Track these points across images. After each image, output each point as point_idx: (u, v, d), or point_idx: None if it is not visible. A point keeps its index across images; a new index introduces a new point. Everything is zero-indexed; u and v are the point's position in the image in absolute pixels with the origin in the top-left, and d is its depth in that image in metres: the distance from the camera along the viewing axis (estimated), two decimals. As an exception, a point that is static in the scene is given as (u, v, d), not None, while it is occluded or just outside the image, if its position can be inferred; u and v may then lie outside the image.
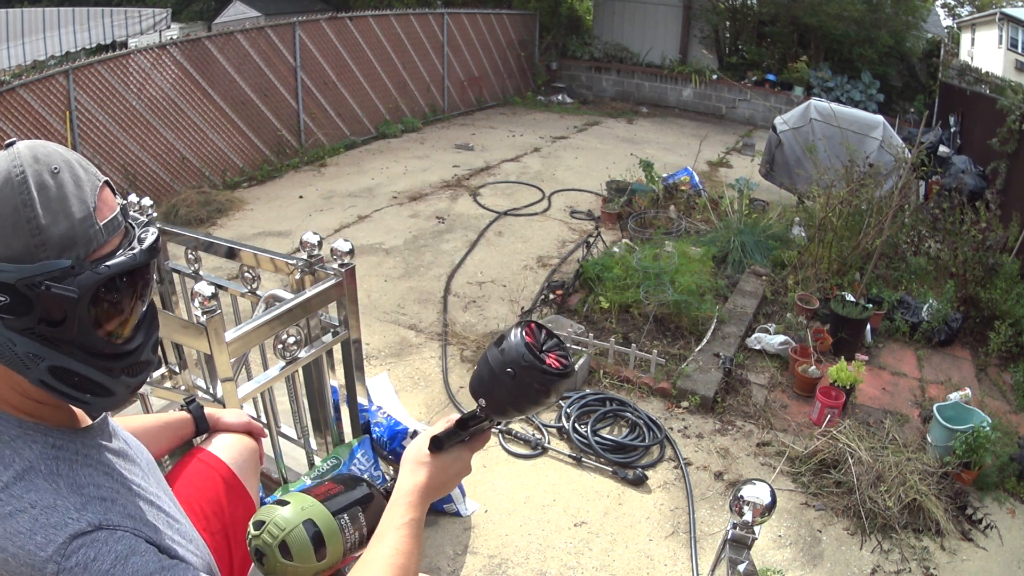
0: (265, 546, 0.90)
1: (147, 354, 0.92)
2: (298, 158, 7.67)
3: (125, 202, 0.90)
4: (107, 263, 0.81)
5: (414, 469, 1.02)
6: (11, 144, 0.82)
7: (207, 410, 1.50)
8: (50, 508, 0.77)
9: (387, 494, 1.07)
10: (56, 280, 0.77)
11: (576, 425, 3.22)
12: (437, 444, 1.02)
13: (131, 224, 0.89)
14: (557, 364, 0.97)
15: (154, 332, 0.94)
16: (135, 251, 0.84)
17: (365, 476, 1.10)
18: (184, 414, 1.46)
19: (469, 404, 3.52)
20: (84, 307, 0.79)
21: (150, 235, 0.88)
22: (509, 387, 0.95)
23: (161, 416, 1.44)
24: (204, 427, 1.49)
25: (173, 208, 5.96)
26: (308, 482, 2.18)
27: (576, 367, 3.52)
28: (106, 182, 0.86)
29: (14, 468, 0.80)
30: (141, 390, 1.19)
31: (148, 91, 6.23)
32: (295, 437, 2.42)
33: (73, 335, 0.80)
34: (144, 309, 0.91)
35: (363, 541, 1.00)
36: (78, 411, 0.96)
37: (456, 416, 1.06)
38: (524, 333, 0.96)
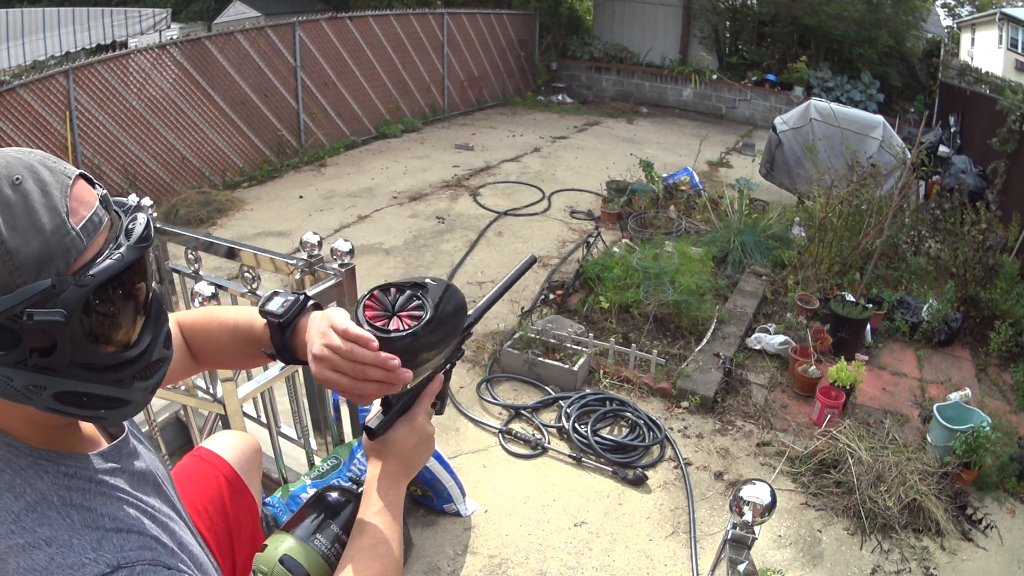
0: None
1: (159, 351, 0.83)
2: (298, 158, 7.67)
3: (105, 191, 0.79)
4: (91, 272, 0.71)
5: (372, 460, 0.98)
6: None
7: (315, 318, 0.94)
8: (66, 547, 0.74)
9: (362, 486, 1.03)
10: (38, 305, 0.68)
11: (576, 425, 3.22)
12: (371, 433, 0.96)
13: (118, 213, 0.79)
14: (406, 323, 0.87)
15: (163, 325, 0.84)
16: (121, 248, 0.74)
17: (340, 480, 1.07)
18: (260, 327, 1.02)
19: (470, 404, 3.52)
20: (76, 326, 0.72)
21: (138, 224, 0.77)
22: None
23: (232, 318, 1.08)
24: (280, 346, 0.98)
25: (173, 208, 5.97)
26: (308, 482, 2.18)
27: (577, 367, 3.52)
28: (80, 175, 0.76)
29: (25, 499, 0.76)
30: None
31: (148, 91, 6.23)
32: (295, 437, 2.43)
33: (68, 360, 0.72)
34: (152, 303, 0.82)
35: (344, 546, 0.98)
36: (95, 431, 0.91)
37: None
38: (363, 309, 0.88)
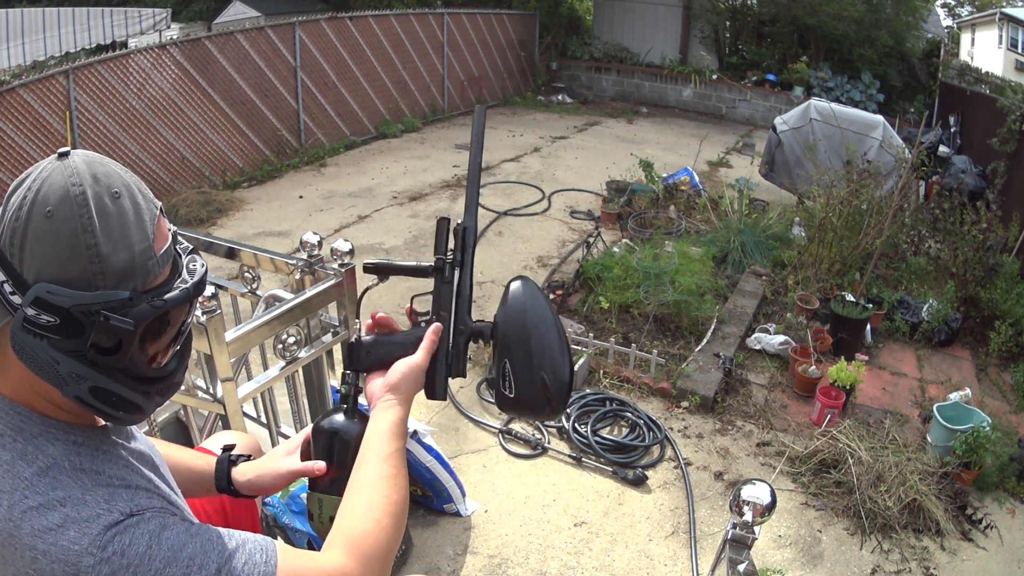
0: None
1: (180, 375, 0.94)
2: (298, 158, 7.67)
3: (175, 228, 0.90)
4: (163, 297, 0.81)
5: (391, 401, 1.03)
6: (65, 154, 0.80)
7: (244, 468, 1.22)
8: (80, 503, 0.78)
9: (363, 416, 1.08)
10: (113, 310, 0.77)
11: (576, 425, 3.22)
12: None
13: (178, 252, 0.89)
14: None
15: (188, 354, 0.95)
16: (187, 285, 0.85)
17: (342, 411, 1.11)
18: (210, 466, 1.24)
19: (470, 404, 3.51)
20: (137, 337, 0.80)
21: (199, 266, 0.88)
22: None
23: (187, 458, 1.26)
24: (225, 486, 1.22)
25: (173, 208, 5.96)
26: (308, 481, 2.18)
27: (577, 367, 3.52)
28: (160, 208, 0.86)
29: (37, 464, 0.80)
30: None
31: (148, 91, 6.23)
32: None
33: (125, 364, 0.81)
34: (187, 332, 0.93)
35: None
36: None
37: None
38: None
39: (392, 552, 0.94)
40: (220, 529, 0.85)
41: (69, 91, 5.60)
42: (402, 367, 1.03)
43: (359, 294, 1.13)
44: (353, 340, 1.06)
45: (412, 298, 1.11)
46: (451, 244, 1.06)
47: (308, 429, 1.16)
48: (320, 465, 1.07)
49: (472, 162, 1.09)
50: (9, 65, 9.38)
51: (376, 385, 1.05)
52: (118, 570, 0.75)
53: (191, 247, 0.92)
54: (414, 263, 1.07)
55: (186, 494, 1.09)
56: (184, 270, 0.87)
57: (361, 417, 1.08)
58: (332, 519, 0.96)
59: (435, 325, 1.06)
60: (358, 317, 1.12)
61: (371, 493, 0.95)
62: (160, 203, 0.87)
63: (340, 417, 1.08)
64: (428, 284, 1.07)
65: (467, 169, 1.08)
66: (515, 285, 1.05)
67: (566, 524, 2.71)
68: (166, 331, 0.86)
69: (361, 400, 1.09)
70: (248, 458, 1.26)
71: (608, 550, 2.60)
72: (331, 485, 1.05)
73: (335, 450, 1.06)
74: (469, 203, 1.07)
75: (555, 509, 2.78)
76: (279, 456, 1.21)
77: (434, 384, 1.06)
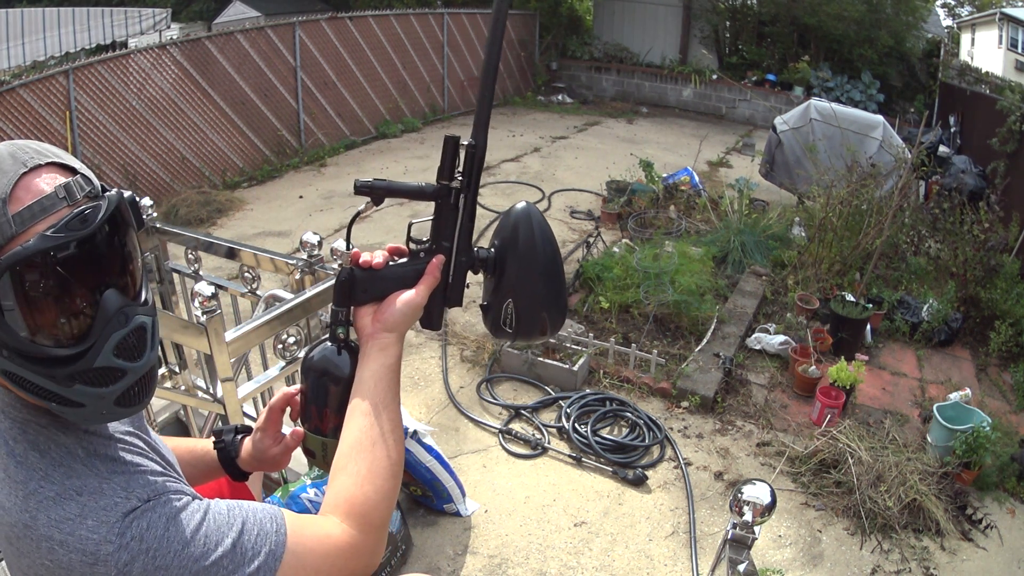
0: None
1: (105, 358, 0.78)
2: (298, 158, 7.67)
3: (68, 181, 0.77)
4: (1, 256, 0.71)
5: (385, 342, 0.95)
6: None
7: (246, 444, 1.19)
8: (97, 493, 0.77)
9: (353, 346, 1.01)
10: None
11: (576, 425, 3.22)
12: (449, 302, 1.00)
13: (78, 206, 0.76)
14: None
15: (113, 331, 0.79)
16: (31, 240, 0.72)
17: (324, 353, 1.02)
18: (211, 449, 1.21)
19: (470, 404, 3.51)
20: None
21: (72, 215, 0.74)
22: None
23: (185, 443, 1.24)
24: (233, 471, 1.20)
25: (173, 208, 5.97)
26: (308, 482, 2.18)
27: (577, 367, 3.52)
28: (52, 163, 0.77)
29: (51, 455, 0.79)
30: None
31: (148, 91, 6.23)
32: (295, 437, 2.42)
33: None
34: (100, 306, 0.78)
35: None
36: None
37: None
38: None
39: (392, 511, 0.94)
40: (230, 502, 0.85)
41: (69, 91, 5.60)
42: (400, 305, 0.95)
43: (350, 219, 1.00)
44: (345, 276, 0.96)
45: (410, 224, 1.01)
46: (460, 167, 0.97)
47: (273, 402, 1.15)
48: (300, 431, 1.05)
49: (487, 63, 0.91)
50: (9, 65, 9.39)
51: (368, 319, 0.97)
52: (137, 555, 0.75)
53: (116, 195, 0.80)
54: (415, 184, 0.96)
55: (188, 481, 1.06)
56: (60, 223, 0.74)
57: (353, 353, 1.00)
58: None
59: (437, 258, 0.97)
60: (348, 248, 1.00)
61: (371, 455, 0.90)
62: (50, 160, 0.77)
63: (336, 358, 0.99)
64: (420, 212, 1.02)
65: (481, 73, 0.93)
66: (521, 214, 0.96)
67: (566, 524, 2.71)
68: (49, 297, 0.75)
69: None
70: (248, 431, 1.21)
71: (608, 550, 2.60)
72: (333, 430, 0.98)
73: (335, 397, 0.98)
74: (479, 118, 0.94)
75: (555, 509, 2.79)
76: (268, 443, 1.16)
77: (431, 315, 1.00)
